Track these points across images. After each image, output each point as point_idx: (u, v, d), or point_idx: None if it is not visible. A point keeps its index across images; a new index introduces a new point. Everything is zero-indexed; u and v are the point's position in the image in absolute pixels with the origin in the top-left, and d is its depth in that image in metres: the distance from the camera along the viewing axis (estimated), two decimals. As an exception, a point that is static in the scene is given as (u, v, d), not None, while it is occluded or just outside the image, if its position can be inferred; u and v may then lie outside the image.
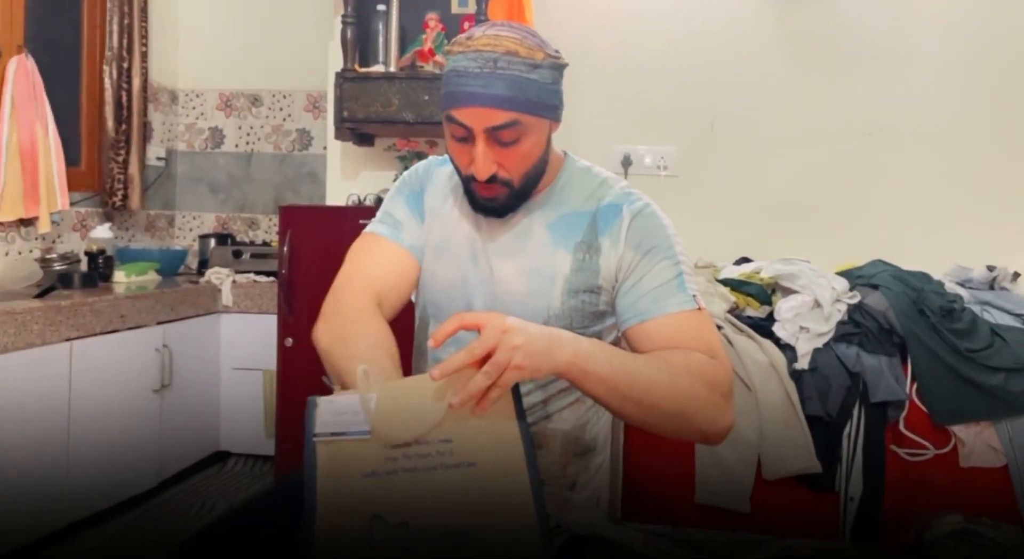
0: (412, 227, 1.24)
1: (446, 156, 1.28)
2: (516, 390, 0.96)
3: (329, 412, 0.93)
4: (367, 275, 1.18)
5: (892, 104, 2.79)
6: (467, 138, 1.08)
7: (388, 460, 0.90)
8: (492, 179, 1.10)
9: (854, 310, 2.24)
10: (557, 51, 1.11)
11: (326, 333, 1.12)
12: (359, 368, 0.96)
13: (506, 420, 0.93)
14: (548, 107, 1.09)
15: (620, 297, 1.13)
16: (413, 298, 1.28)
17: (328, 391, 1.01)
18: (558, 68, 1.10)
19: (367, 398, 0.92)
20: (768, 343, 2.20)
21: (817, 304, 2.24)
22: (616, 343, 1.21)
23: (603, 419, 1.27)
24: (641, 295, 1.10)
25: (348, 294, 1.16)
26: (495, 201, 1.13)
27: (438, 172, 1.29)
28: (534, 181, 1.15)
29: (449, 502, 0.88)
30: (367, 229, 1.26)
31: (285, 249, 2.64)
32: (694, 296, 1.09)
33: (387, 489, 0.88)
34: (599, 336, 1.18)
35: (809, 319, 2.21)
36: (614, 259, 1.13)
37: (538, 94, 1.06)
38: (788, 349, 2.19)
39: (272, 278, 3.17)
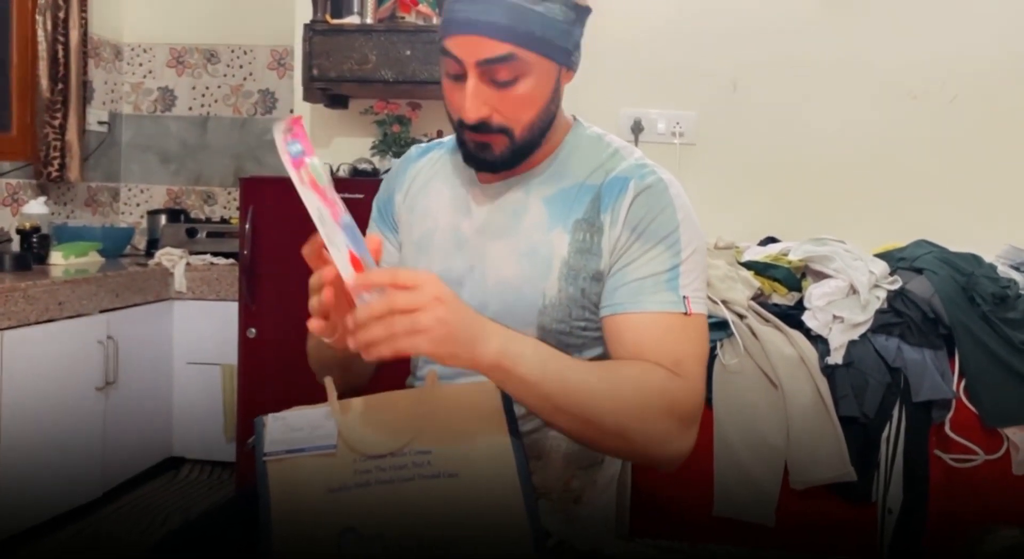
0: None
1: (427, 143, 1.35)
2: (507, 398, 1.01)
3: (281, 430, 1.01)
4: None
5: (941, 61, 2.78)
6: (460, 75, 1.09)
7: (359, 473, 0.97)
8: (484, 127, 1.10)
9: (895, 297, 2.24)
10: None
11: (309, 338, 1.23)
12: (325, 379, 1.04)
13: (495, 430, 0.99)
14: (556, 47, 1.09)
15: (606, 283, 1.13)
16: None
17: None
18: (573, 7, 1.10)
19: (334, 410, 1.00)
20: (797, 334, 2.20)
21: (853, 290, 2.24)
22: None
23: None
24: (622, 283, 1.10)
25: None
26: (490, 151, 1.13)
27: (415, 166, 1.32)
28: (539, 135, 1.14)
29: (427, 512, 0.95)
30: None
31: (247, 227, 2.63)
32: (684, 298, 1.08)
33: (359, 502, 0.96)
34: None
35: (844, 307, 2.21)
36: (612, 240, 1.12)
37: (543, 29, 1.07)
38: (820, 341, 2.20)
39: (232, 260, 3.16)
